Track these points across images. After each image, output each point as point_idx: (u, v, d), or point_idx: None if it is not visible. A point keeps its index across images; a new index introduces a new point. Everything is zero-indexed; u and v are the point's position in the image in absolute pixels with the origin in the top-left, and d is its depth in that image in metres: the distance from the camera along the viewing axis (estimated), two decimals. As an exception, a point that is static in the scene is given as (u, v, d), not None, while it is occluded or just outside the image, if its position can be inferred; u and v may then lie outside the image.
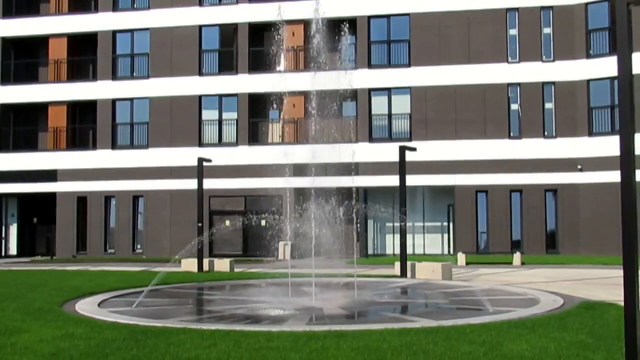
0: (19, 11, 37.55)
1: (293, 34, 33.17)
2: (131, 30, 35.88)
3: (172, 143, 34.46)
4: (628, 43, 6.71)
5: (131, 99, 35.54)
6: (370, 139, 32.78)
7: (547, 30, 32.05)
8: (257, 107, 34.57)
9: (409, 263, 20.48)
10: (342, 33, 33.32)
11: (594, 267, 23.70)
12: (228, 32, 35.19)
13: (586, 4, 31.32)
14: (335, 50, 34.82)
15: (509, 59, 32.10)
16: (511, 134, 31.83)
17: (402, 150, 21.22)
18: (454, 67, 32.16)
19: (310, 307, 13.23)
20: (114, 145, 35.44)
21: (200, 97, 34.75)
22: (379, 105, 33.26)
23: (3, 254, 36.72)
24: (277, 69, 33.85)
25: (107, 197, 35.14)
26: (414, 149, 22.36)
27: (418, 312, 13.63)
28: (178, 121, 34.53)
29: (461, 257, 26.83)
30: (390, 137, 32.63)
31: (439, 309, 13.79)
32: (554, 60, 31.76)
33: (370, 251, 33.01)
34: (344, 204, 16.87)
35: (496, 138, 31.67)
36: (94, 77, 36.39)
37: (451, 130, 31.93)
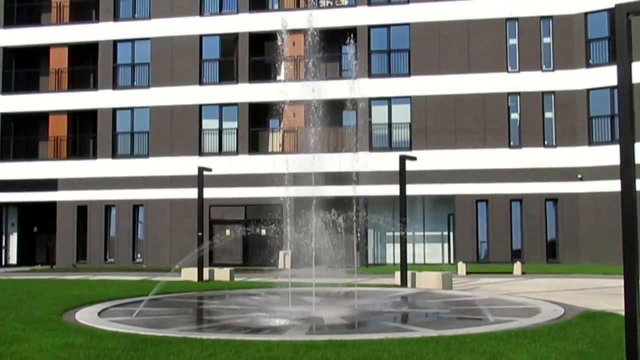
0: (20, 21, 37.65)
1: (293, 43, 33.25)
2: (132, 40, 35.98)
3: (172, 152, 34.48)
4: (628, 52, 6.73)
5: (132, 108, 35.60)
6: (371, 148, 32.80)
7: (547, 40, 32.14)
8: (258, 116, 34.64)
9: (409, 272, 20.44)
10: (343, 43, 33.53)
11: (595, 276, 23.66)
12: (228, 41, 35.28)
13: (586, 14, 31.42)
14: (336, 60, 35.00)
15: (509, 68, 32.17)
16: (511, 144, 31.86)
17: (402, 159, 21.23)
18: (454, 77, 32.22)
19: (310, 316, 13.20)
20: (114, 155, 35.46)
21: (200, 106, 34.80)
22: (379, 114, 33.30)
23: (3, 263, 36.68)
24: (278, 78, 33.93)
25: (107, 206, 35.13)
26: (414, 158, 22.37)
27: (418, 321, 13.60)
28: (178, 130, 34.57)
29: (461, 267, 26.79)
30: (390, 147, 32.66)
31: (440, 319, 13.75)
32: (553, 70, 31.83)
33: (370, 260, 32.97)
34: (344, 214, 16.86)
35: (496, 147, 31.70)
36: (95, 87, 36.46)
37: (451, 139, 31.96)
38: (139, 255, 34.93)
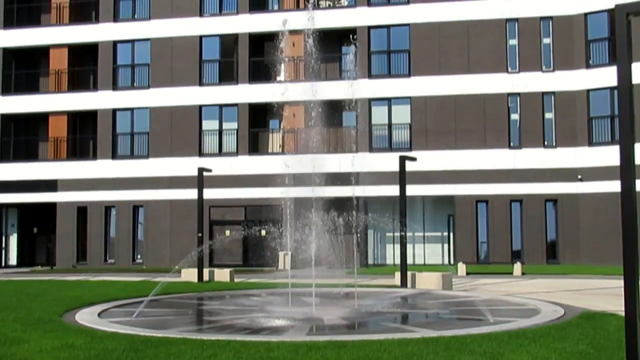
0: (20, 22, 37.65)
1: (293, 44, 33.25)
2: (132, 41, 35.98)
3: (172, 153, 34.48)
4: (627, 53, 6.73)
5: (132, 109, 35.60)
6: (371, 148, 32.81)
7: (547, 41, 32.15)
8: (257, 117, 34.64)
9: (409, 273, 20.44)
10: (343, 43, 33.52)
11: (595, 277, 23.66)
12: (228, 42, 35.29)
13: (586, 14, 31.43)
14: (336, 60, 35.01)
15: (509, 69, 32.17)
16: (511, 144, 31.86)
17: (402, 160, 21.23)
18: (454, 77, 32.22)
19: (310, 317, 13.19)
20: (114, 155, 35.45)
21: (200, 107, 34.80)
22: (379, 115, 33.30)
23: (3, 264, 36.67)
24: (278, 79, 33.94)
25: (107, 207, 35.13)
26: (414, 159, 22.37)
27: (418, 322, 13.60)
28: (178, 131, 34.57)
29: (461, 267, 26.79)
30: (390, 147, 32.66)
31: (440, 319, 13.75)
32: (553, 70, 31.83)
33: (370, 261, 32.97)
34: (344, 214, 16.86)
35: (496, 148, 31.70)
36: (95, 87, 36.46)
37: (451, 140, 31.96)
38: (139, 256, 34.93)
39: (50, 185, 35.46)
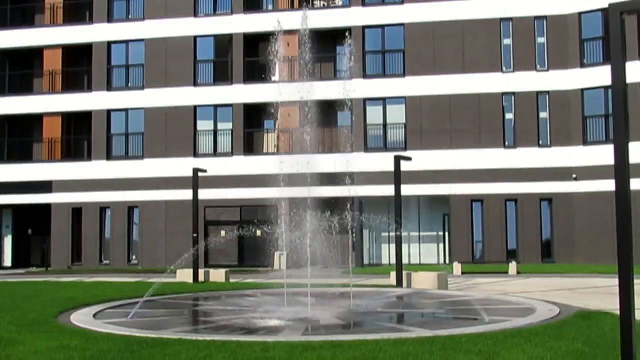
0: (13, 22, 37.55)
1: (288, 44, 33.23)
2: (126, 41, 35.92)
3: (167, 153, 34.43)
4: (622, 52, 6.74)
5: (126, 110, 35.54)
6: (366, 148, 32.82)
7: (541, 40, 32.21)
8: (252, 117, 34.61)
9: (404, 273, 20.45)
10: (337, 43, 33.53)
11: (590, 276, 23.70)
12: (223, 42, 35.26)
13: (580, 14, 31.49)
14: (331, 60, 35.00)
15: (504, 68, 32.22)
16: (506, 144, 31.91)
17: (398, 159, 21.24)
18: (449, 77, 32.25)
19: (306, 317, 13.19)
20: (109, 156, 35.38)
21: (195, 107, 34.77)
22: (374, 115, 33.31)
23: (-2, 265, 36.61)
24: (272, 79, 33.91)
25: (102, 208, 35.05)
26: (409, 159, 22.39)
27: (414, 321, 13.60)
28: (173, 131, 34.52)
29: (457, 267, 26.82)
30: (385, 147, 32.67)
31: (435, 319, 13.76)
32: (548, 70, 31.88)
33: (366, 261, 32.95)
34: (340, 214, 16.85)
35: (491, 147, 31.74)
36: (89, 88, 36.37)
37: (446, 139, 31.99)
38: (134, 257, 34.87)
39: (45, 186, 35.37)
